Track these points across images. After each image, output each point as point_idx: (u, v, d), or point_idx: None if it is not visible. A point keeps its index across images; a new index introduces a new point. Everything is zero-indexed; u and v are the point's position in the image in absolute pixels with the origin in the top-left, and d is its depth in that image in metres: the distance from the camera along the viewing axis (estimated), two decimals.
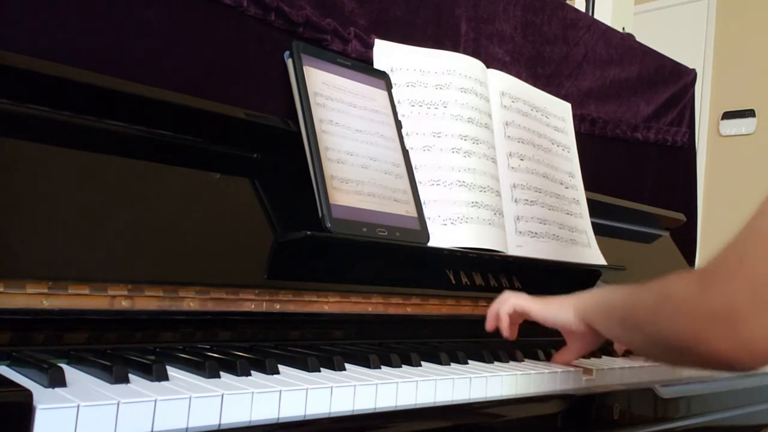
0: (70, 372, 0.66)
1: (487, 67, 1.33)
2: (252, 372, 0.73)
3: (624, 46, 1.76)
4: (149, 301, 0.81)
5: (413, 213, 1.09)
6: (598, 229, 1.46)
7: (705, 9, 4.02)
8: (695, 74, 1.99)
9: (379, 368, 0.83)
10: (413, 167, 1.13)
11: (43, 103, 0.83)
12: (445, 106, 1.21)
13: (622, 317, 0.84)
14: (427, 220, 1.10)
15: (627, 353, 1.20)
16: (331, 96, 1.06)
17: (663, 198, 1.87)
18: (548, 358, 1.05)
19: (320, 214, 0.96)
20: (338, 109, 1.06)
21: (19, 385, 0.56)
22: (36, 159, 0.81)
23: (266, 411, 0.65)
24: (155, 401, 0.59)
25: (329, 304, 0.98)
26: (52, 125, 0.84)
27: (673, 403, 1.09)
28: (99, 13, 0.92)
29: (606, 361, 1.12)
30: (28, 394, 0.53)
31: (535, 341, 1.11)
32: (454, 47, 1.33)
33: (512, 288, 1.23)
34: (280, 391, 0.67)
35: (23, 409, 0.52)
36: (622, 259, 1.49)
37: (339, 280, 1.00)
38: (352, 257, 1.03)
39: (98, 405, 0.56)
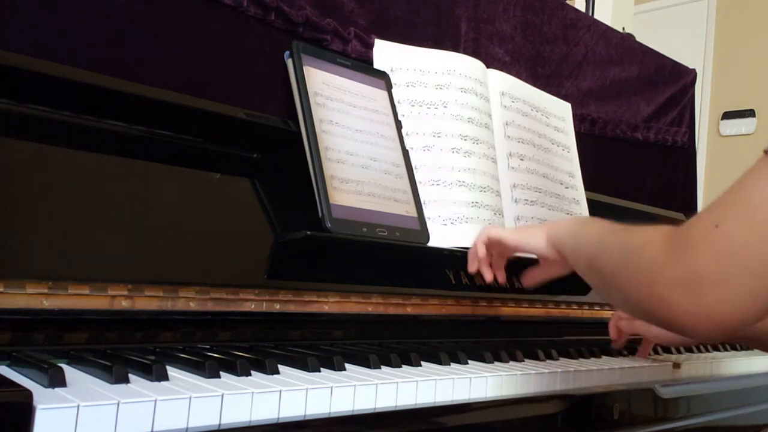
0: (70, 372, 0.66)
1: (487, 67, 1.33)
2: (252, 372, 0.73)
3: (624, 46, 1.76)
4: (149, 301, 0.81)
5: (413, 213, 1.09)
6: None
7: (705, 9, 4.02)
8: (695, 74, 1.99)
9: (379, 368, 0.83)
10: (413, 167, 1.13)
11: (43, 103, 0.83)
12: (445, 106, 1.21)
13: (588, 258, 0.83)
14: (427, 220, 1.10)
15: (627, 353, 1.20)
16: (331, 96, 1.06)
17: (663, 198, 1.87)
18: (548, 357, 1.05)
19: (320, 214, 0.96)
20: (338, 109, 1.06)
21: (19, 385, 0.56)
22: (36, 159, 0.81)
23: (266, 411, 0.65)
24: (155, 401, 0.59)
25: (329, 304, 0.98)
26: (52, 125, 0.84)
27: (673, 403, 1.10)
28: (99, 13, 0.92)
29: (606, 361, 1.12)
30: (28, 394, 0.53)
31: (534, 341, 1.11)
32: (454, 47, 1.33)
33: (512, 288, 1.23)
34: (280, 391, 0.67)
35: (23, 409, 0.52)
36: None
37: (339, 280, 1.00)
38: (352, 257, 1.03)
39: (98, 405, 0.56)
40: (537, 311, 1.24)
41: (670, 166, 1.93)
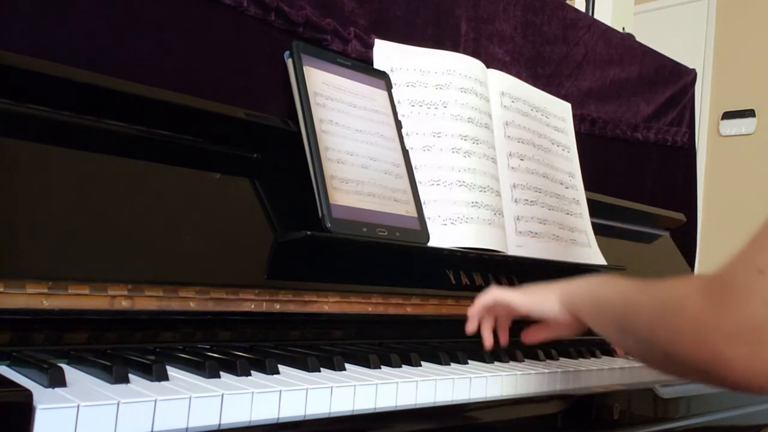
0: (70, 372, 0.66)
1: (487, 67, 1.33)
2: (252, 372, 0.73)
3: (624, 46, 1.76)
4: (149, 301, 0.81)
5: (413, 213, 1.09)
6: (598, 229, 1.46)
7: (705, 9, 4.02)
8: (695, 74, 1.99)
9: (379, 368, 0.83)
10: (413, 167, 1.13)
11: (43, 103, 0.83)
12: (445, 106, 1.21)
13: (618, 320, 0.78)
14: (427, 220, 1.10)
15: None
16: (331, 96, 1.06)
17: (663, 198, 1.87)
18: (548, 357, 1.05)
19: (320, 214, 0.96)
20: (338, 109, 1.06)
21: (19, 385, 0.56)
22: (36, 159, 0.81)
23: (266, 411, 0.65)
24: (155, 401, 0.59)
25: (329, 304, 0.98)
26: (52, 125, 0.84)
27: (673, 403, 1.10)
28: (99, 13, 0.92)
29: (606, 361, 1.12)
30: (28, 394, 0.53)
31: None
32: (454, 47, 1.33)
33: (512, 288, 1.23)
34: (280, 391, 0.67)
35: (23, 409, 0.52)
36: (622, 259, 1.49)
37: (339, 280, 1.00)
38: (352, 257, 1.03)
39: (98, 405, 0.56)
40: None
41: (670, 166, 1.93)
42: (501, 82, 1.35)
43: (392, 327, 1.08)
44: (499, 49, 1.44)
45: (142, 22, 0.96)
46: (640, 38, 1.89)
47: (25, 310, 0.73)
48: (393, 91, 1.17)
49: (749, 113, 3.78)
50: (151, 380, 0.66)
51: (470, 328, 0.99)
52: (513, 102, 1.35)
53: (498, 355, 0.99)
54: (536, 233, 1.29)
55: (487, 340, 0.98)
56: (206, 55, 1.02)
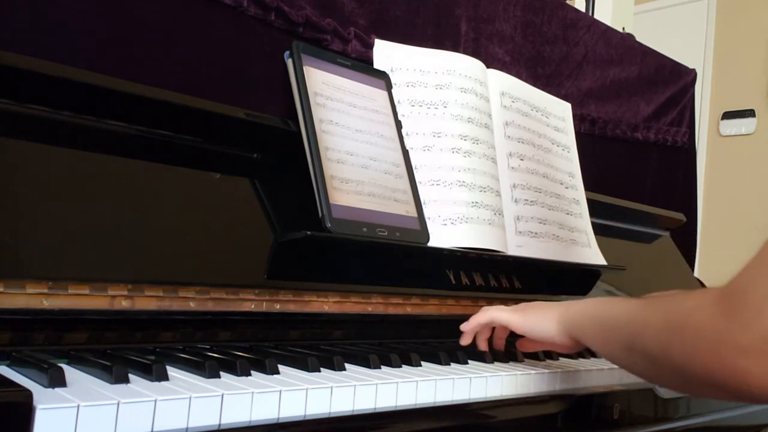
0: (70, 372, 0.66)
1: (487, 67, 1.33)
2: (252, 372, 0.73)
3: (624, 46, 1.76)
4: (149, 301, 0.81)
5: (413, 213, 1.09)
6: (598, 229, 1.46)
7: (705, 9, 4.02)
8: (695, 74, 1.99)
9: (379, 368, 0.83)
10: (413, 167, 1.13)
11: (43, 103, 0.83)
12: (445, 106, 1.21)
13: (624, 340, 0.76)
14: (427, 220, 1.10)
15: None
16: (331, 96, 1.06)
17: (663, 198, 1.87)
18: (549, 357, 1.05)
19: (320, 214, 0.96)
20: (338, 109, 1.06)
21: (19, 385, 0.56)
22: (36, 159, 0.81)
23: (266, 411, 0.65)
24: (155, 401, 0.59)
25: (329, 304, 0.98)
26: (52, 125, 0.84)
27: (673, 403, 1.10)
28: (99, 13, 0.92)
29: (606, 361, 1.12)
30: (28, 394, 0.53)
31: None
32: (454, 47, 1.33)
33: (512, 288, 1.23)
34: (280, 391, 0.67)
35: (23, 409, 0.52)
36: (622, 259, 1.49)
37: (339, 280, 1.00)
38: (352, 257, 1.03)
39: (98, 405, 0.56)
40: None
41: (670, 166, 1.93)
42: (501, 82, 1.35)
43: (392, 327, 1.08)
44: (499, 49, 1.44)
45: (142, 22, 0.96)
46: (640, 38, 1.89)
47: (25, 310, 0.73)
48: (393, 91, 1.17)
49: (749, 113, 3.78)
50: (151, 380, 0.66)
51: (464, 342, 0.99)
52: (513, 102, 1.35)
53: (498, 355, 0.99)
54: (536, 233, 1.29)
55: (482, 349, 0.99)
56: (206, 55, 1.02)
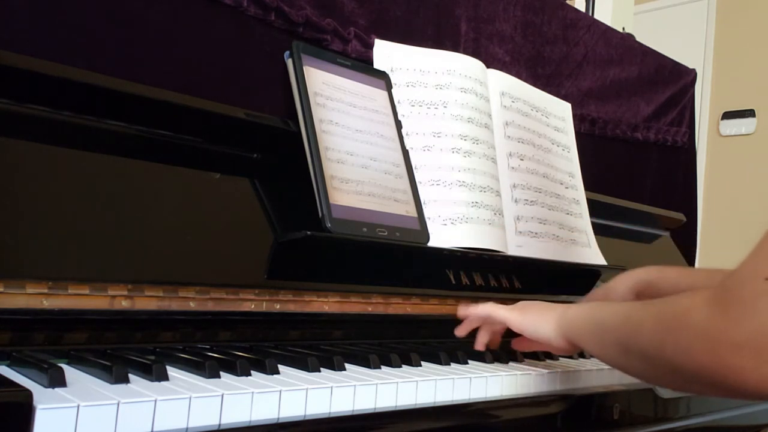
0: (70, 372, 0.66)
1: (487, 67, 1.33)
2: (252, 372, 0.73)
3: (624, 46, 1.76)
4: (149, 301, 0.81)
5: (413, 213, 1.09)
6: (598, 229, 1.46)
7: (705, 9, 4.02)
8: (695, 74, 1.99)
9: (379, 368, 0.83)
10: (413, 167, 1.13)
11: (43, 103, 0.83)
12: (445, 106, 1.21)
13: (620, 342, 0.77)
14: (427, 220, 1.10)
15: None
16: (331, 96, 1.06)
17: (663, 198, 1.87)
18: (549, 357, 1.05)
19: (320, 214, 0.96)
20: (338, 109, 1.06)
21: (19, 385, 0.56)
22: (36, 159, 0.81)
23: (266, 411, 0.65)
24: (155, 401, 0.59)
25: (329, 304, 0.98)
26: (52, 125, 0.84)
27: (673, 403, 1.09)
28: (99, 13, 0.92)
29: None
30: (28, 394, 0.53)
31: None
32: (454, 47, 1.33)
33: (512, 288, 1.23)
34: (280, 391, 0.67)
35: (23, 409, 0.52)
36: (622, 259, 1.49)
37: (339, 280, 1.00)
38: (352, 257, 1.03)
39: (98, 405, 0.56)
40: None
41: (670, 166, 1.93)
42: (501, 82, 1.35)
43: (392, 327, 1.08)
44: (499, 49, 1.44)
45: (142, 22, 0.96)
46: (640, 38, 1.89)
47: (25, 310, 0.73)
48: (393, 91, 1.17)
49: (749, 113, 3.78)
50: (151, 380, 0.66)
51: (461, 332, 0.99)
52: (513, 102, 1.35)
53: (498, 355, 0.99)
54: (536, 233, 1.29)
55: (480, 346, 0.99)
56: (206, 55, 1.02)
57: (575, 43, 1.63)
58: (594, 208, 1.47)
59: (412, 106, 1.19)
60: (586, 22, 1.68)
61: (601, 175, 1.64)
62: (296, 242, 0.94)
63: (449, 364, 0.91)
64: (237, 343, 0.90)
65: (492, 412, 0.86)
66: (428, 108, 1.20)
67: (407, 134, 1.16)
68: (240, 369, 0.72)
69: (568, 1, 1.72)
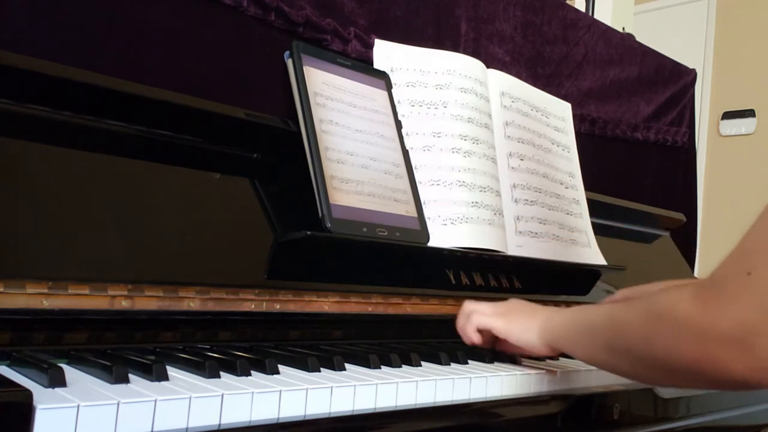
0: (70, 372, 0.66)
1: (487, 67, 1.33)
2: (252, 372, 0.73)
3: (624, 46, 1.76)
4: (149, 301, 0.81)
5: (413, 213, 1.09)
6: (598, 229, 1.46)
7: (705, 9, 4.02)
8: (695, 74, 1.99)
9: (379, 368, 0.83)
10: (413, 167, 1.13)
11: (43, 103, 0.83)
12: (445, 106, 1.21)
13: (606, 342, 0.78)
14: (427, 220, 1.10)
15: None
16: (331, 96, 1.06)
17: (663, 198, 1.87)
18: (549, 357, 1.05)
19: (320, 214, 0.96)
20: (338, 109, 1.06)
21: (19, 385, 0.56)
22: (36, 159, 0.81)
23: (266, 411, 0.65)
24: (155, 401, 0.59)
25: (329, 304, 0.98)
26: (52, 125, 0.84)
27: (673, 403, 1.10)
28: (99, 13, 0.92)
29: None
30: (28, 394, 0.53)
31: None
32: (454, 47, 1.33)
33: (512, 288, 1.23)
34: (280, 391, 0.67)
35: (23, 409, 0.52)
36: (622, 259, 1.49)
37: (339, 280, 1.00)
38: (352, 257, 1.03)
39: (98, 405, 0.56)
40: None
41: (670, 166, 1.93)
42: (501, 82, 1.35)
43: (392, 327, 1.08)
44: (499, 49, 1.44)
45: (142, 22, 0.96)
46: (640, 38, 1.89)
47: (25, 310, 0.73)
48: (393, 91, 1.17)
49: (749, 113, 3.78)
50: (151, 380, 0.66)
51: (470, 341, 0.98)
52: (513, 102, 1.35)
53: (498, 355, 0.99)
54: (536, 233, 1.29)
55: (468, 342, 0.99)
56: (206, 54, 1.02)
57: (575, 43, 1.63)
58: (594, 208, 1.47)
59: (412, 106, 1.19)
60: (586, 22, 1.68)
61: (601, 175, 1.64)
62: (296, 242, 0.94)
63: (449, 364, 0.91)
64: (237, 343, 0.90)
65: (492, 412, 0.86)
66: (428, 108, 1.20)
67: (407, 134, 1.16)
68: (240, 369, 0.72)
69: (568, 1, 1.72)
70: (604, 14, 2.45)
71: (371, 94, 1.13)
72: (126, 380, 0.64)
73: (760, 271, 0.60)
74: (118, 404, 0.56)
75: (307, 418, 0.68)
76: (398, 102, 1.17)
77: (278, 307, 0.93)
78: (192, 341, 0.87)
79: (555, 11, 1.58)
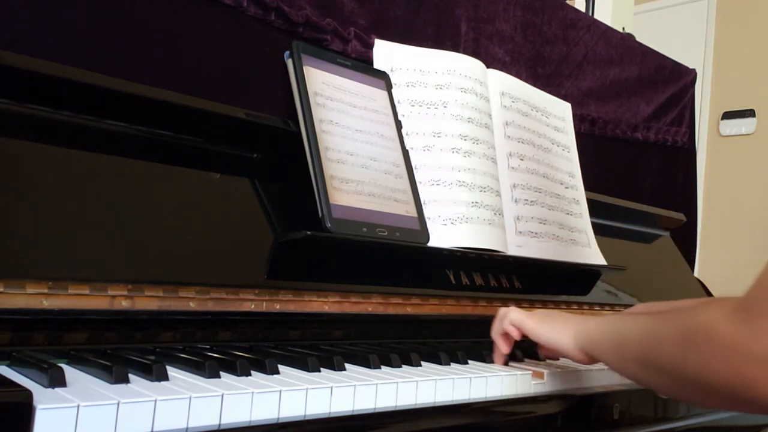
0: (70, 372, 0.66)
1: (487, 67, 1.33)
2: (252, 372, 0.73)
3: (624, 46, 1.76)
4: (149, 301, 0.81)
5: (413, 213, 1.09)
6: (598, 229, 1.46)
7: (705, 9, 4.02)
8: (695, 74, 1.99)
9: (379, 368, 0.83)
10: (413, 167, 1.13)
11: (43, 103, 0.83)
12: (445, 106, 1.21)
13: (640, 356, 0.76)
14: (427, 220, 1.10)
15: None
16: (331, 96, 1.06)
17: (663, 198, 1.87)
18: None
19: (320, 214, 0.96)
20: (338, 109, 1.06)
21: (19, 385, 0.56)
22: (36, 159, 0.81)
23: (266, 411, 0.65)
24: (155, 401, 0.59)
25: (329, 304, 0.98)
26: (52, 125, 0.84)
27: (673, 403, 1.10)
28: (99, 13, 0.92)
29: None
30: (28, 394, 0.53)
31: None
32: (454, 47, 1.33)
33: (512, 288, 1.23)
34: (280, 391, 0.67)
35: (23, 409, 0.52)
36: (622, 259, 1.49)
37: (339, 280, 1.00)
38: (352, 257, 1.03)
39: (98, 405, 0.56)
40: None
41: (670, 166, 1.93)
42: (501, 82, 1.35)
43: (392, 327, 1.08)
44: (499, 49, 1.44)
45: (142, 22, 0.96)
46: (640, 38, 1.89)
47: (25, 310, 0.73)
48: (393, 91, 1.17)
49: (749, 113, 3.78)
50: (151, 380, 0.66)
51: (500, 361, 0.97)
52: (513, 102, 1.35)
53: None
54: (536, 233, 1.29)
55: (498, 362, 0.98)
56: (206, 54, 1.02)
57: (575, 43, 1.63)
58: (594, 208, 1.47)
59: (412, 106, 1.19)
60: (586, 22, 1.68)
61: (601, 175, 1.64)
62: (296, 242, 0.94)
63: (449, 364, 0.91)
64: (237, 343, 0.90)
65: (492, 412, 0.86)
66: (428, 108, 1.20)
67: (407, 134, 1.16)
68: (240, 369, 0.72)
69: (568, 1, 1.72)
70: (604, 14, 2.45)
71: (371, 94, 1.13)
72: (126, 380, 0.64)
73: None
74: (118, 404, 0.56)
75: (307, 418, 0.68)
76: (398, 102, 1.17)
77: (278, 307, 0.93)
78: (192, 341, 0.87)
79: (555, 11, 1.58)
